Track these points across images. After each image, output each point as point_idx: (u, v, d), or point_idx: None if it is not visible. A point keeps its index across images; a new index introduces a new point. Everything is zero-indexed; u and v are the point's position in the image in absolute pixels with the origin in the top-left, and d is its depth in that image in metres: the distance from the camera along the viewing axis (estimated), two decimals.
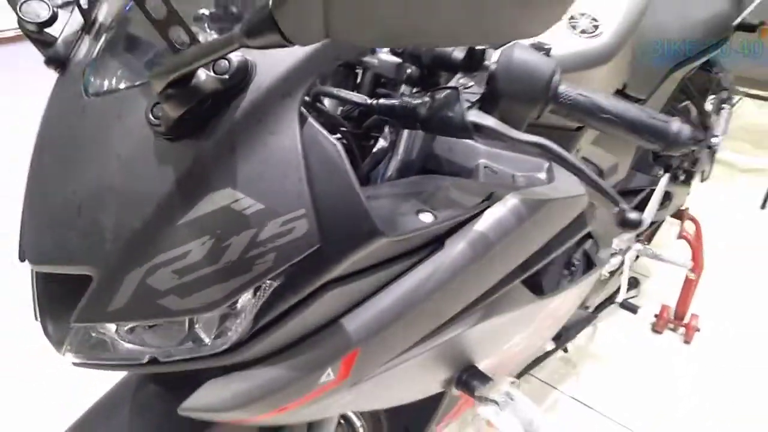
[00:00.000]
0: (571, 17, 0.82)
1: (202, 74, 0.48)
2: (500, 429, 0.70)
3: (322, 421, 0.76)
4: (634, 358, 1.73)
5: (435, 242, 0.62)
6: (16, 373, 1.62)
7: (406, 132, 0.66)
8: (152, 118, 0.50)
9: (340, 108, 0.70)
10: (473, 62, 0.59)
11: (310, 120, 0.52)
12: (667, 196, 1.59)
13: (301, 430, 0.77)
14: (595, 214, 0.90)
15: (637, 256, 1.86)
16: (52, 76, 0.65)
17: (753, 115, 3.14)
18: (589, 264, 1.17)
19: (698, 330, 1.79)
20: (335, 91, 0.63)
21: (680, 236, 1.78)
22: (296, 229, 0.49)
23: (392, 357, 0.62)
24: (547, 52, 0.61)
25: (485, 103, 0.58)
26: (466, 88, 0.58)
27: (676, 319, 1.82)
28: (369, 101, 0.61)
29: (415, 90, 0.63)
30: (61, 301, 0.59)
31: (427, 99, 0.57)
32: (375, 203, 0.56)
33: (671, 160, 1.56)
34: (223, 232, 0.49)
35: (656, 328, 1.83)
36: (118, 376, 0.75)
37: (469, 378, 0.76)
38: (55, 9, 0.62)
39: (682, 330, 1.81)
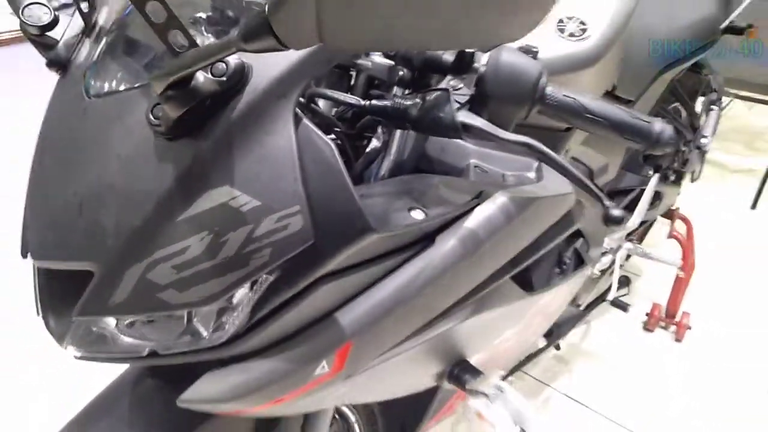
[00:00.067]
0: (560, 21, 0.84)
1: (201, 76, 0.50)
2: (490, 420, 0.72)
3: (318, 415, 0.78)
4: (626, 355, 1.75)
5: (426, 239, 0.64)
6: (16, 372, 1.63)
7: (398, 132, 0.67)
8: (152, 118, 0.52)
9: (334, 109, 0.72)
10: (463, 65, 0.61)
11: (305, 120, 0.53)
12: (657, 196, 1.61)
13: (297, 423, 0.79)
14: (584, 212, 0.93)
15: (628, 255, 1.88)
16: (52, 77, 0.66)
17: (744, 116, 3.18)
18: (580, 262, 1.19)
19: (689, 328, 1.81)
20: (329, 92, 0.65)
21: (670, 235, 1.80)
22: (291, 226, 0.50)
23: (385, 350, 0.64)
24: (534, 55, 0.63)
25: (474, 104, 0.60)
26: (456, 89, 0.60)
27: (667, 318, 1.84)
28: (362, 102, 0.63)
29: (407, 91, 0.65)
30: (62, 297, 0.60)
31: (418, 100, 0.59)
32: (368, 201, 0.58)
33: (661, 160, 1.59)
34: (221, 228, 0.50)
35: (648, 327, 1.85)
36: (117, 372, 0.76)
37: (460, 372, 0.78)
38: (57, 13, 0.64)
39: (673, 328, 1.83)
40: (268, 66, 0.53)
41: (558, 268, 1.16)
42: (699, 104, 1.68)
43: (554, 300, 1.01)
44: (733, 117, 3.17)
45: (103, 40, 0.62)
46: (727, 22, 1.47)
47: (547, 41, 0.81)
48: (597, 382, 1.65)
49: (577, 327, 1.78)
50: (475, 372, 0.77)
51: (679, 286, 1.82)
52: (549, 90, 0.60)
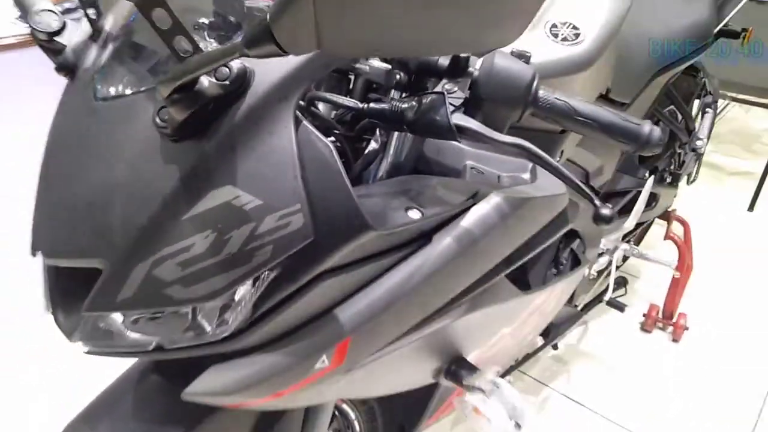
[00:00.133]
0: (553, 26, 0.86)
1: (205, 80, 0.52)
2: (486, 415, 0.74)
3: (319, 409, 0.80)
4: (624, 356, 1.77)
5: (423, 237, 0.66)
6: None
7: (395, 134, 0.69)
8: (159, 120, 0.54)
9: (334, 112, 0.74)
10: (457, 69, 0.63)
11: (305, 122, 0.55)
12: (653, 198, 1.63)
13: (298, 417, 0.81)
14: (578, 213, 0.95)
15: (626, 257, 1.90)
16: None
17: (741, 119, 3.20)
18: (577, 263, 1.21)
19: (686, 329, 1.83)
20: (329, 95, 0.66)
21: (667, 237, 1.82)
22: (292, 223, 0.52)
23: (384, 345, 0.66)
24: (526, 59, 0.65)
25: (468, 107, 0.62)
26: (451, 93, 0.62)
27: (664, 318, 1.86)
28: (360, 105, 0.64)
29: (404, 95, 0.67)
30: (70, 294, 0.62)
31: (414, 103, 0.61)
32: (366, 200, 0.60)
33: (657, 162, 1.61)
34: (225, 226, 0.52)
35: (645, 327, 1.87)
36: (118, 370, 0.77)
37: (457, 368, 0.80)
38: (65, 19, 0.66)
39: (670, 329, 1.85)
40: (269, 70, 0.55)
41: (555, 268, 1.18)
42: (696, 107, 1.71)
43: (550, 299, 1.02)
44: (731, 120, 3.19)
45: (110, 46, 0.64)
46: (720, 26, 1.49)
47: (541, 46, 0.83)
48: (595, 382, 1.67)
49: (575, 328, 1.80)
50: (472, 368, 0.79)
51: (676, 287, 1.84)
52: (541, 93, 0.62)
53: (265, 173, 0.53)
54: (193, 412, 0.72)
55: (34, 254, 0.63)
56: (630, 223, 1.41)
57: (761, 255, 2.24)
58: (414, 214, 0.62)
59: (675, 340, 1.83)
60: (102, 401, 0.75)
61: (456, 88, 0.62)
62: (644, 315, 1.87)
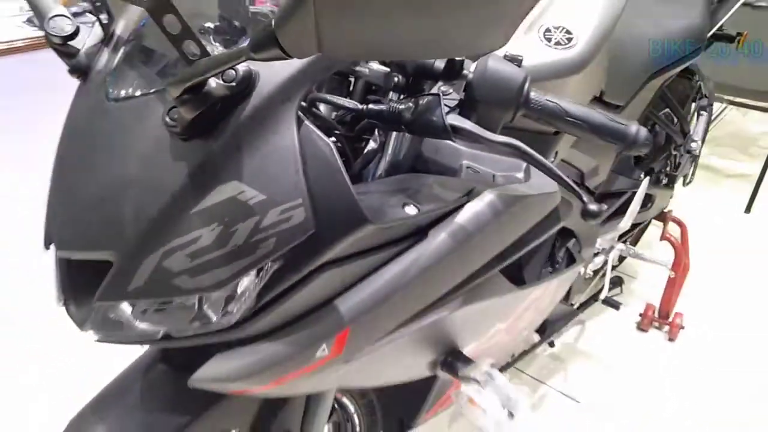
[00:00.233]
0: (547, 30, 0.89)
1: (213, 82, 0.55)
2: (481, 405, 0.77)
3: (319, 397, 0.83)
4: (621, 354, 1.79)
5: (419, 232, 0.69)
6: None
7: (394, 134, 0.72)
8: (169, 120, 0.57)
9: (334, 113, 0.77)
10: (452, 72, 0.66)
11: (306, 122, 0.58)
12: (649, 199, 1.66)
13: (300, 404, 0.84)
14: (571, 212, 0.98)
15: (623, 257, 1.93)
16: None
17: (738, 122, 3.23)
18: (572, 262, 1.24)
19: (682, 328, 1.85)
20: (329, 97, 0.69)
21: (663, 238, 1.85)
22: (294, 217, 0.55)
23: (382, 336, 0.69)
24: (519, 62, 0.68)
25: (463, 108, 0.65)
26: (446, 94, 0.65)
27: (660, 318, 1.88)
28: (360, 107, 0.67)
29: (401, 96, 0.70)
30: (80, 287, 0.65)
31: (411, 104, 0.64)
32: (365, 197, 0.63)
33: (653, 164, 1.64)
34: (230, 219, 0.55)
35: (641, 327, 1.89)
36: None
37: (453, 360, 0.83)
38: (78, 24, 0.69)
39: (666, 328, 1.87)
40: (273, 73, 0.58)
41: (551, 267, 1.21)
42: (689, 110, 1.73)
43: (545, 295, 1.05)
44: (728, 123, 3.22)
45: (121, 49, 0.67)
46: (714, 30, 1.52)
47: (535, 50, 0.86)
48: (592, 380, 1.69)
49: (572, 326, 1.82)
50: (467, 360, 0.82)
51: (672, 287, 1.86)
52: (532, 95, 0.65)
53: (268, 170, 0.56)
54: (199, 400, 0.74)
55: (47, 247, 0.66)
56: (625, 223, 1.44)
57: (757, 256, 2.26)
58: (410, 210, 0.65)
59: (671, 339, 1.86)
60: (110, 391, 0.77)
61: (451, 90, 0.65)
62: (641, 314, 1.89)
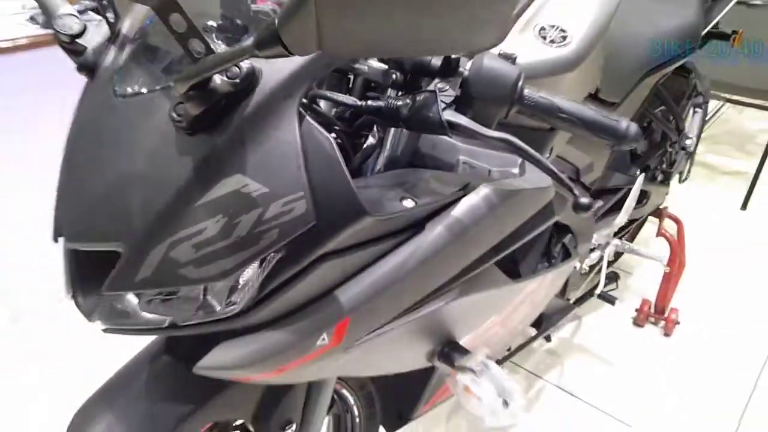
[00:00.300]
0: (542, 28, 0.91)
1: (218, 79, 0.57)
2: (477, 393, 0.79)
3: (320, 385, 0.85)
4: (617, 349, 1.81)
5: (417, 225, 0.71)
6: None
7: (392, 130, 0.74)
8: (175, 115, 0.58)
9: (334, 109, 0.79)
10: (449, 69, 0.68)
11: (307, 118, 0.60)
12: (644, 195, 1.68)
13: (301, 392, 0.86)
14: (565, 206, 0.99)
15: (619, 253, 1.95)
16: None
17: (735, 120, 3.25)
18: (568, 257, 1.26)
19: (678, 323, 1.87)
20: (329, 94, 0.71)
21: (659, 234, 1.87)
22: (296, 209, 0.57)
23: (380, 325, 0.71)
24: (513, 60, 0.70)
25: (459, 105, 0.67)
26: (443, 91, 0.66)
27: (656, 313, 1.90)
28: (359, 103, 0.69)
29: (399, 93, 0.72)
30: (88, 278, 0.67)
31: (408, 101, 0.66)
32: (364, 190, 0.65)
33: (649, 161, 1.66)
34: (234, 211, 0.57)
35: (637, 322, 1.91)
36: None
37: (450, 351, 0.85)
38: (85, 22, 0.71)
39: (662, 323, 1.90)
40: (275, 70, 0.60)
41: (547, 262, 1.23)
42: (684, 107, 1.75)
43: (540, 288, 1.07)
44: (725, 121, 3.24)
45: (127, 47, 0.69)
46: (708, 28, 1.54)
47: (530, 48, 0.88)
48: (589, 375, 1.71)
49: (568, 321, 1.85)
50: (464, 351, 0.84)
51: (668, 283, 1.88)
52: (526, 92, 0.67)
53: (271, 164, 0.58)
54: (202, 390, 0.77)
55: (56, 240, 0.68)
56: (621, 219, 1.46)
57: (753, 252, 2.28)
58: (408, 203, 0.67)
59: (667, 335, 1.88)
60: (116, 381, 0.79)
61: (448, 87, 0.67)
62: (637, 310, 1.91)
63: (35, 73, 1.90)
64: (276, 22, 0.43)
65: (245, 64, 0.58)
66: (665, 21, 1.37)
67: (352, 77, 0.81)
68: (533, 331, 1.42)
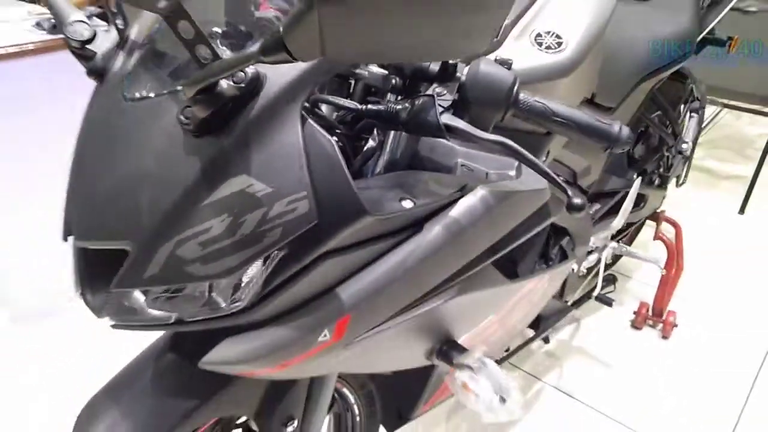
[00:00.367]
0: (538, 35, 0.93)
1: (224, 83, 0.59)
2: (474, 390, 0.81)
3: (322, 381, 0.87)
4: (615, 351, 1.83)
5: (415, 225, 0.73)
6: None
7: (392, 133, 0.76)
8: (183, 118, 0.61)
9: (335, 113, 0.81)
10: (446, 74, 0.70)
11: (310, 121, 0.63)
12: (642, 199, 1.70)
13: (303, 388, 0.87)
14: (562, 208, 1.01)
15: (617, 256, 1.97)
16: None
17: (733, 125, 3.27)
18: (565, 259, 1.28)
19: (675, 326, 1.89)
20: (331, 98, 0.73)
21: (656, 237, 1.89)
22: (299, 209, 0.60)
23: (380, 323, 0.73)
24: (509, 66, 0.72)
25: (456, 109, 0.69)
26: (441, 95, 0.68)
27: (654, 316, 1.92)
28: (359, 107, 0.71)
29: (398, 97, 0.74)
30: (96, 276, 0.69)
31: (407, 105, 0.68)
32: (364, 191, 0.67)
33: (646, 165, 1.68)
34: (239, 210, 0.59)
35: (635, 324, 1.93)
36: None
37: (448, 349, 0.87)
38: (95, 28, 0.74)
39: (660, 326, 1.91)
40: (279, 75, 0.62)
41: (544, 264, 1.25)
42: (681, 112, 1.78)
43: (537, 289, 1.09)
44: (723, 126, 3.26)
45: (136, 53, 0.71)
46: (703, 34, 1.56)
47: (526, 54, 0.90)
48: (587, 377, 1.73)
49: (566, 323, 1.86)
50: (462, 349, 0.86)
51: (665, 286, 1.90)
52: (521, 96, 0.69)
53: (275, 164, 0.60)
54: (207, 386, 0.79)
55: (65, 238, 0.70)
56: (618, 222, 1.48)
57: (750, 256, 2.30)
58: (407, 204, 0.69)
59: (664, 337, 1.89)
60: (122, 377, 0.81)
61: (445, 92, 0.69)
62: (634, 312, 1.93)
63: (41, 78, 1.92)
64: (281, 29, 0.45)
65: (250, 69, 0.61)
66: (660, 27, 1.40)
67: (353, 82, 0.83)
68: (531, 333, 1.43)
